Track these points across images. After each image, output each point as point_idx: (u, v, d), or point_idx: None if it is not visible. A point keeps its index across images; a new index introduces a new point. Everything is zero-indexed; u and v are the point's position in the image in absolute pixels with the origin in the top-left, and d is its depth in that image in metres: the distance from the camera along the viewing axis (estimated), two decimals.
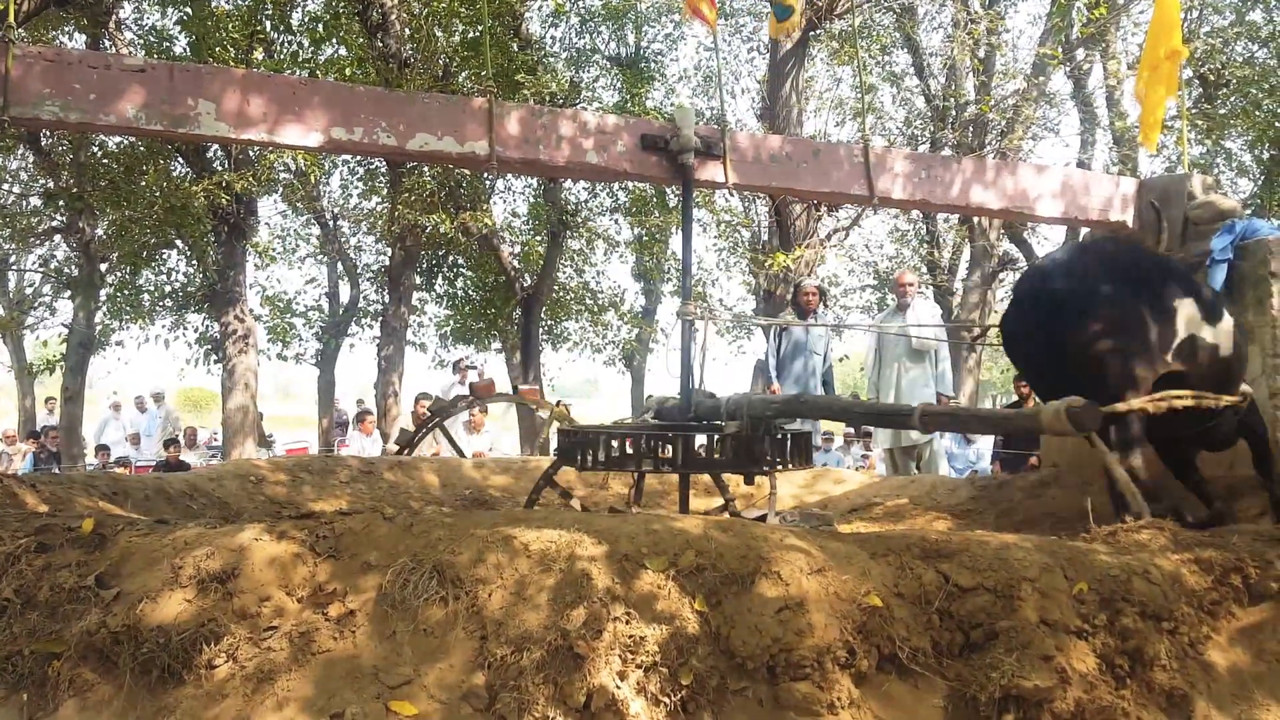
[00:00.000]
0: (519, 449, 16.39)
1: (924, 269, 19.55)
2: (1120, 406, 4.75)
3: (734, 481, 7.28)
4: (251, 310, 16.39)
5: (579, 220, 18.08)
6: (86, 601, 3.25)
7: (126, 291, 17.53)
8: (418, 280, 19.06)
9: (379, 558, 3.41)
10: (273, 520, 3.82)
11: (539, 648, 3.08)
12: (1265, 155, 16.41)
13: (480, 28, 13.51)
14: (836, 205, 14.53)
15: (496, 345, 20.56)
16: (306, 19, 14.69)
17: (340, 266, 21.57)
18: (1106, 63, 17.56)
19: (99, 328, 18.47)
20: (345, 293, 21.68)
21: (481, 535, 3.48)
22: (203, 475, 7.45)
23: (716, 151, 6.37)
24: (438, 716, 2.95)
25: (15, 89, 5.06)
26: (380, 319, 19.55)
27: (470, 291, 19.58)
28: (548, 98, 13.64)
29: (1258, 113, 15.31)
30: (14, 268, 22.15)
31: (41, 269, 21.01)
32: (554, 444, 8.87)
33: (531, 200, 19.31)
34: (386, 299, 18.87)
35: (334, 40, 14.39)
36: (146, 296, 17.78)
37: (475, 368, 15.06)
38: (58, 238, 18.78)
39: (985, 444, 12.70)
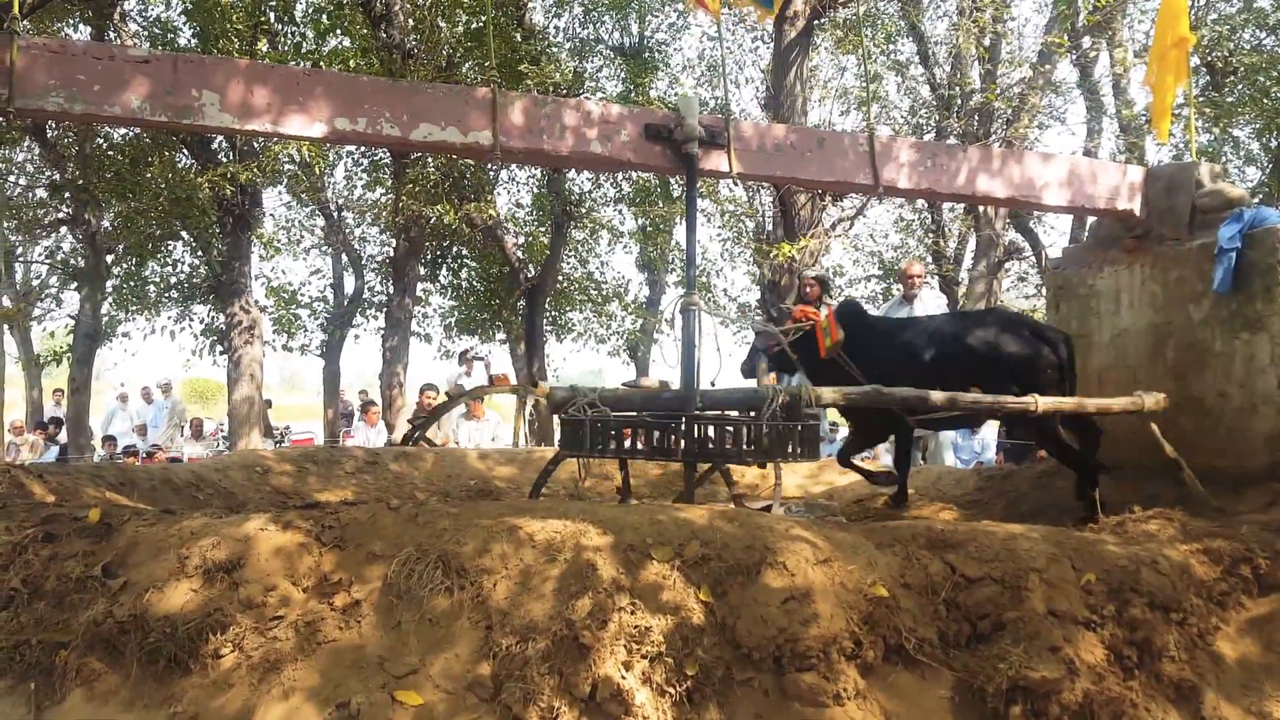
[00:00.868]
0: (524, 441, 16.38)
1: (929, 259, 19.48)
2: None
3: (737, 472, 7.27)
4: (257, 301, 16.39)
5: (583, 211, 18.04)
6: (93, 591, 3.25)
7: (132, 283, 17.53)
8: (422, 271, 19.03)
9: (384, 548, 3.42)
10: (279, 510, 3.83)
11: (544, 638, 3.08)
12: (1273, 143, 16.33)
13: (484, 18, 13.48)
14: (841, 195, 14.47)
15: (501, 336, 20.53)
16: (310, 10, 14.66)
17: (345, 257, 21.54)
18: (1113, 50, 17.47)
19: (105, 319, 18.48)
20: (350, 284, 21.64)
21: (486, 525, 3.48)
22: (209, 466, 7.46)
23: (721, 141, 6.35)
24: (443, 706, 2.96)
25: (20, 80, 5.05)
26: (385, 310, 19.52)
27: (474, 282, 19.55)
28: (551, 88, 13.60)
29: (1265, 100, 15.23)
30: (20, 259, 22.13)
31: (48, 261, 20.99)
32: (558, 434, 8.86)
33: (535, 191, 19.29)
34: (391, 290, 18.84)
35: (338, 31, 14.36)
36: (152, 288, 17.77)
37: (482, 358, 15.04)
38: (64, 229, 18.75)
39: (990, 435, 12.67)
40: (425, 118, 5.79)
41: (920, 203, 19.40)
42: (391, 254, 18.99)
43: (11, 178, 18.28)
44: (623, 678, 3.03)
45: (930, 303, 9.39)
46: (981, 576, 3.49)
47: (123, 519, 3.62)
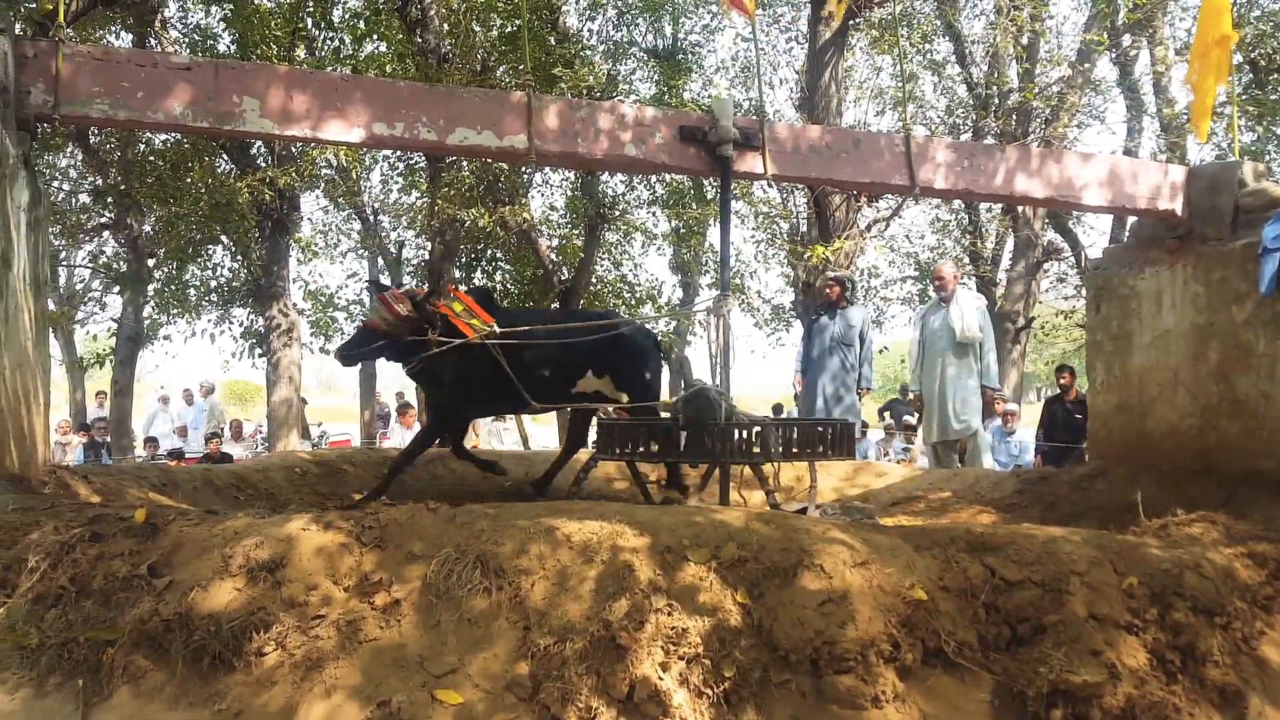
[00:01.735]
0: (558, 442, 16.42)
1: (966, 260, 19.35)
2: None
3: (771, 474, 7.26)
4: (295, 304, 16.54)
5: (616, 213, 18.05)
6: (139, 590, 3.30)
7: (173, 286, 17.74)
8: (457, 274, 19.12)
9: (423, 548, 3.44)
10: (319, 511, 3.86)
11: (582, 638, 3.09)
12: None
13: (518, 22, 13.53)
14: (877, 196, 14.41)
15: None
16: (347, 15, 14.78)
17: (381, 260, 21.70)
18: (1153, 48, 17.28)
19: (147, 322, 18.72)
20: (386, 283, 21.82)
21: (524, 526, 3.50)
22: (249, 467, 7.54)
23: (755, 142, 6.34)
24: (482, 705, 2.98)
25: (65, 88, 5.13)
26: None
27: (509, 285, 19.60)
28: (585, 91, 13.63)
29: None
30: (64, 263, 22.46)
31: (91, 265, 21.29)
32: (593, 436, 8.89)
33: (569, 194, 19.32)
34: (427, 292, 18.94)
35: (374, 36, 14.47)
36: (193, 291, 17.98)
37: None
38: (106, 234, 19.03)
39: (1028, 437, 12.59)
40: (461, 122, 5.83)
41: (957, 203, 19.28)
42: (427, 257, 19.09)
43: (55, 183, 18.54)
44: (660, 678, 3.04)
45: (967, 303, 9.33)
46: (1022, 579, 3.47)
47: (168, 519, 3.67)
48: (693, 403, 6.02)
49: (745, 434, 5.87)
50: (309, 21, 13.80)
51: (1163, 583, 3.54)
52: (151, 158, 15.41)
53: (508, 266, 19.22)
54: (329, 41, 14.30)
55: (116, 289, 19.95)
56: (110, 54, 5.40)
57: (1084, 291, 16.14)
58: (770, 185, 17.19)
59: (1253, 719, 3.35)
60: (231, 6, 13.50)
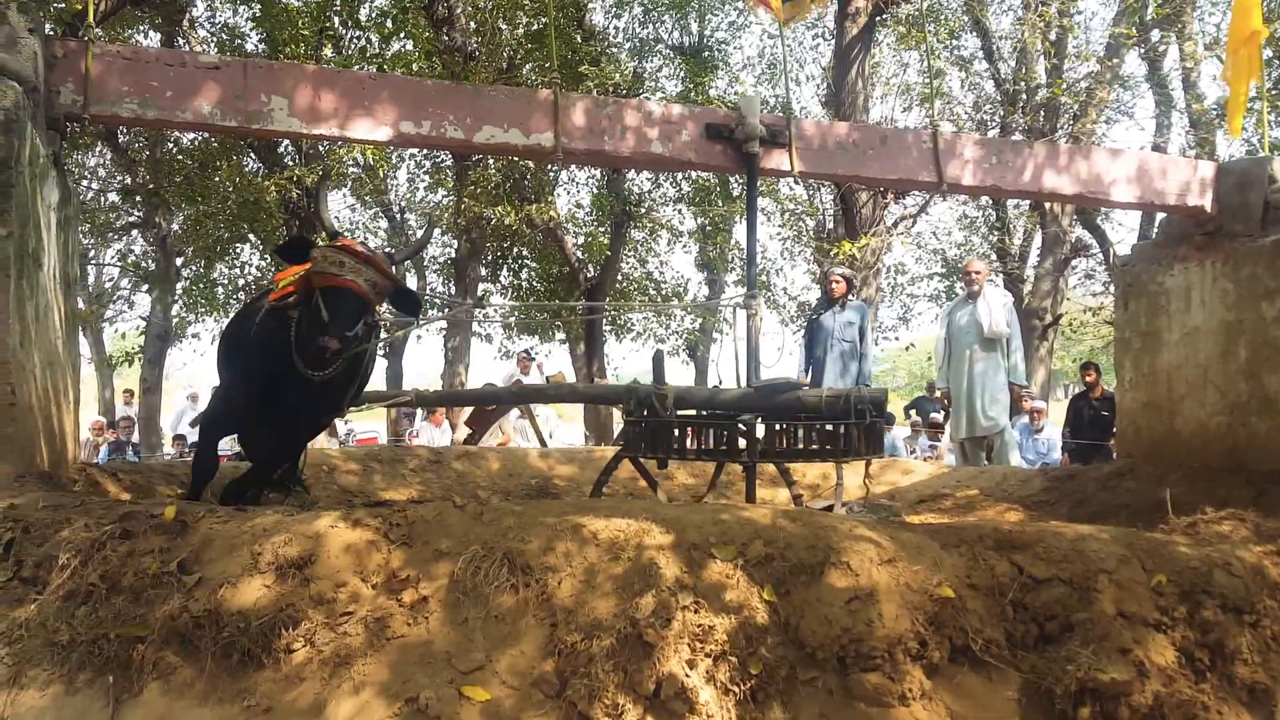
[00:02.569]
0: (582, 439, 16.46)
1: (994, 256, 19.24)
2: None
3: (798, 471, 7.26)
4: None
5: (642, 211, 18.07)
6: (169, 587, 3.32)
7: (201, 284, 17.88)
8: (483, 272, 19.21)
9: (451, 545, 3.45)
10: (347, 508, 3.88)
11: (608, 635, 3.10)
12: None
13: (544, 20, 13.56)
14: (904, 192, 14.35)
15: (560, 336, 20.65)
16: (375, 14, 14.86)
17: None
18: (1182, 44, 17.12)
19: (175, 320, 18.88)
20: (412, 284, 21.90)
21: (551, 524, 3.50)
22: None
23: (782, 139, 6.33)
24: (510, 702, 2.98)
25: (95, 87, 5.18)
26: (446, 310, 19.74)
27: (535, 283, 19.67)
28: (611, 89, 13.65)
29: None
30: (93, 262, 22.68)
31: (120, 263, 21.50)
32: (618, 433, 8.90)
33: (595, 191, 19.35)
34: (452, 290, 19.05)
35: (401, 35, 14.53)
36: (221, 289, 18.12)
37: (534, 359, 15.20)
38: (135, 233, 19.21)
39: (1055, 434, 12.50)
40: (488, 120, 5.84)
41: (984, 200, 19.17)
42: (453, 255, 19.19)
43: (85, 182, 18.73)
44: (687, 676, 3.04)
45: (994, 300, 9.28)
46: (1050, 577, 3.45)
47: (197, 516, 3.70)
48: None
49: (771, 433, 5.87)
50: (336, 20, 13.87)
51: (1191, 581, 3.51)
52: (180, 156, 15.54)
53: (533, 264, 19.29)
54: (356, 40, 14.38)
55: (145, 287, 20.16)
56: (139, 53, 5.44)
57: (1112, 288, 16.02)
58: (796, 182, 17.14)
59: None
60: (259, 6, 13.59)
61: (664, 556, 3.37)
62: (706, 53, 17.72)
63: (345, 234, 6.44)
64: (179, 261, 18.12)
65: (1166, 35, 17.23)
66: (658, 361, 6.48)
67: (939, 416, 13.86)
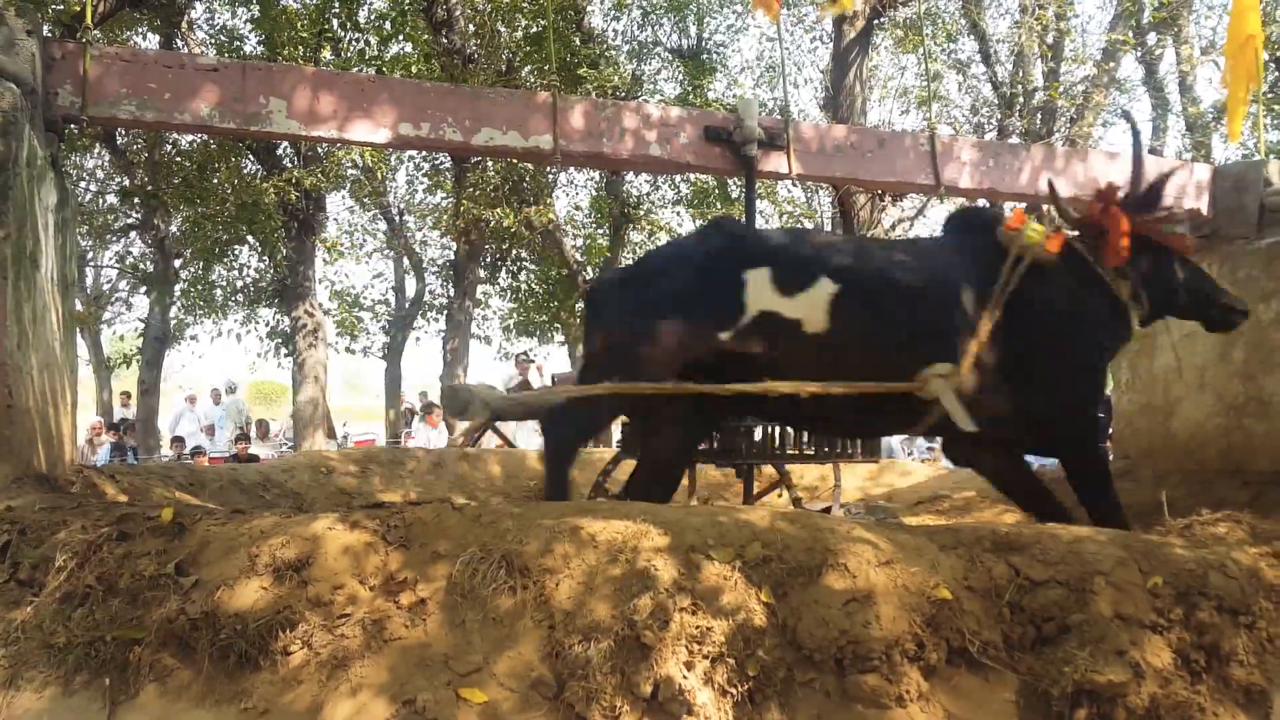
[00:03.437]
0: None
1: None
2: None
3: (796, 473, 7.25)
4: (321, 304, 16.62)
5: (641, 213, 18.07)
6: (166, 589, 3.32)
7: (200, 287, 17.90)
8: (482, 274, 19.21)
9: (449, 547, 3.45)
10: (345, 510, 3.88)
11: (606, 638, 3.10)
12: None
13: (543, 22, 13.56)
14: (902, 195, 14.35)
15: (560, 338, 20.65)
16: (373, 16, 14.86)
17: (406, 261, 21.81)
18: (1178, 47, 17.15)
19: (173, 322, 18.86)
20: (411, 287, 21.92)
21: (549, 526, 3.50)
22: (275, 466, 7.59)
23: (780, 142, 6.34)
24: (507, 704, 2.98)
25: (94, 89, 5.19)
26: (445, 312, 19.73)
27: (533, 285, 19.68)
28: (610, 91, 13.65)
29: None
30: (91, 264, 22.64)
31: (118, 265, 21.46)
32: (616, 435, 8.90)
33: (594, 194, 19.36)
34: (451, 293, 19.05)
35: (400, 37, 14.53)
36: (219, 291, 18.14)
37: (533, 361, 15.21)
38: (133, 234, 19.17)
39: None
40: (487, 123, 5.85)
41: (982, 202, 19.16)
42: (452, 257, 19.19)
43: (83, 184, 18.71)
44: (684, 678, 3.04)
45: None
46: (1047, 579, 3.45)
47: (194, 518, 3.70)
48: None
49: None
50: (335, 22, 13.86)
51: (1188, 582, 3.51)
52: (178, 158, 15.52)
53: (532, 266, 19.29)
54: (355, 42, 14.38)
55: (143, 289, 20.11)
56: (137, 55, 5.46)
57: None
58: (795, 185, 17.15)
59: (1277, 718, 3.32)
60: (258, 8, 13.59)
61: (662, 558, 3.37)
62: (705, 55, 17.74)
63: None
64: (177, 263, 18.09)
65: (1163, 39, 17.26)
66: None
67: None
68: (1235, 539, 4.05)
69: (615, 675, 3.02)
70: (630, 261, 19.95)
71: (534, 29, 14.32)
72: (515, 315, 20.55)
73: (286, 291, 15.89)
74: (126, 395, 21.04)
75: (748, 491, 6.25)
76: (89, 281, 23.25)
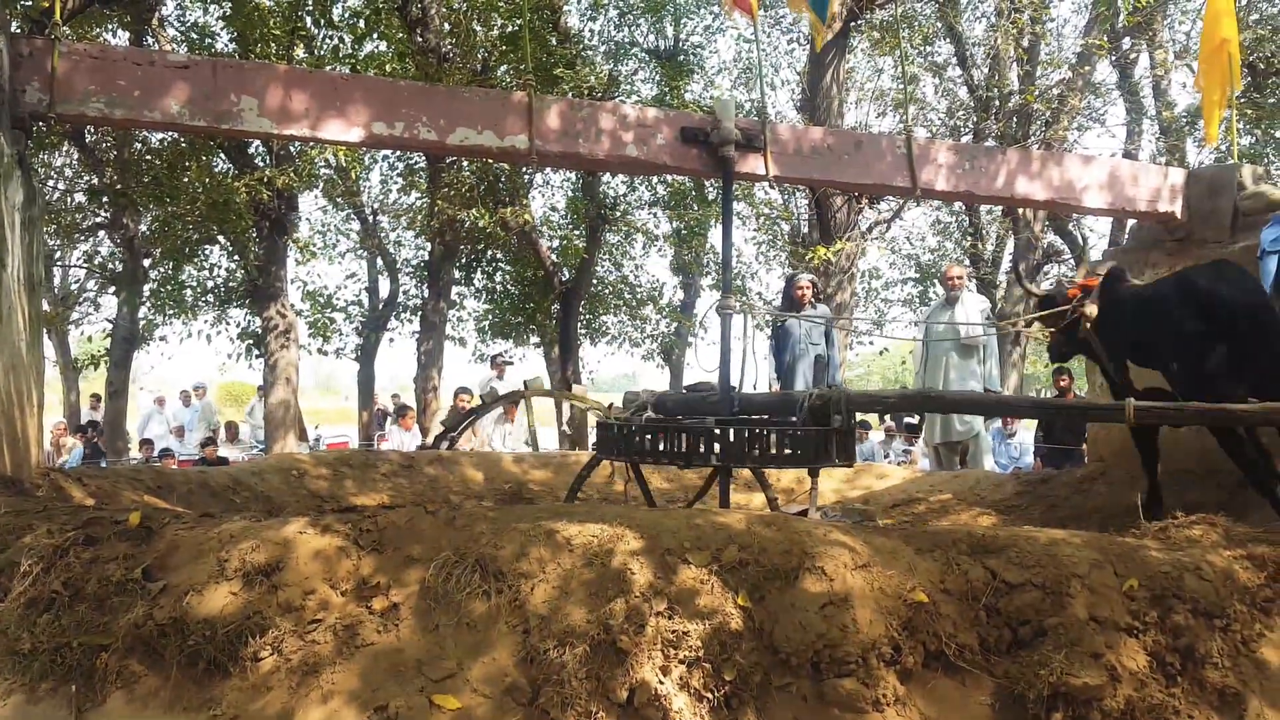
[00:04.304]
0: (557, 444, 16.42)
1: (967, 261, 19.35)
2: None
3: (773, 476, 7.24)
4: (292, 305, 16.49)
5: (618, 214, 18.05)
6: (134, 594, 3.27)
7: (169, 287, 17.70)
8: (457, 275, 19.12)
9: (422, 551, 3.42)
10: (317, 514, 3.84)
11: (582, 642, 3.07)
12: None
13: (519, 22, 13.51)
14: (878, 197, 14.39)
15: (535, 340, 20.59)
16: (347, 14, 14.75)
17: (380, 261, 21.70)
18: (1153, 52, 17.29)
19: (142, 323, 18.67)
20: (385, 287, 21.81)
21: (524, 529, 3.47)
22: (245, 469, 7.51)
23: (757, 144, 6.33)
24: (481, 710, 2.95)
25: (62, 86, 5.11)
26: (419, 313, 19.63)
27: (509, 286, 19.60)
28: (586, 92, 13.61)
29: None
30: (59, 263, 22.40)
31: (86, 265, 21.23)
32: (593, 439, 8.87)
33: (570, 194, 19.32)
34: (426, 293, 18.95)
35: (374, 35, 14.44)
36: (189, 292, 17.94)
37: (511, 363, 15.15)
38: (102, 234, 18.97)
39: (1028, 439, 12.57)
40: (462, 122, 5.80)
41: (957, 205, 19.28)
42: (426, 258, 19.10)
43: (51, 182, 18.50)
44: (660, 683, 3.02)
45: (971, 305, 9.31)
46: (1023, 582, 3.45)
47: (163, 522, 3.64)
48: None
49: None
50: (308, 20, 13.75)
51: (1163, 585, 3.52)
52: (148, 157, 15.35)
53: (508, 267, 19.22)
54: (328, 40, 14.27)
55: (112, 289, 19.91)
56: (107, 52, 5.38)
57: None
58: (772, 187, 17.16)
59: None
60: (230, 4, 13.47)
61: (638, 562, 3.34)
62: (682, 57, 17.73)
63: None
64: (147, 263, 17.89)
65: (1137, 43, 17.39)
66: None
67: (913, 420, 13.91)
68: (1210, 542, 4.06)
69: (591, 680, 3.00)
70: (607, 260, 19.97)
71: (510, 28, 14.26)
72: (490, 317, 20.46)
73: (258, 292, 15.75)
74: (96, 398, 20.82)
75: (724, 494, 6.22)
76: (56, 281, 23.02)
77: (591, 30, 17.86)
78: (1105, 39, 16.14)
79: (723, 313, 6.37)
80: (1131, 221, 8.22)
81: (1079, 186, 6.89)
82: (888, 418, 15.71)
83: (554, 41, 14.69)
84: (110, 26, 14.35)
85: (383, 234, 21.38)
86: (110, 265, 19.43)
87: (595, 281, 19.36)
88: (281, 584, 3.27)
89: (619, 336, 22.34)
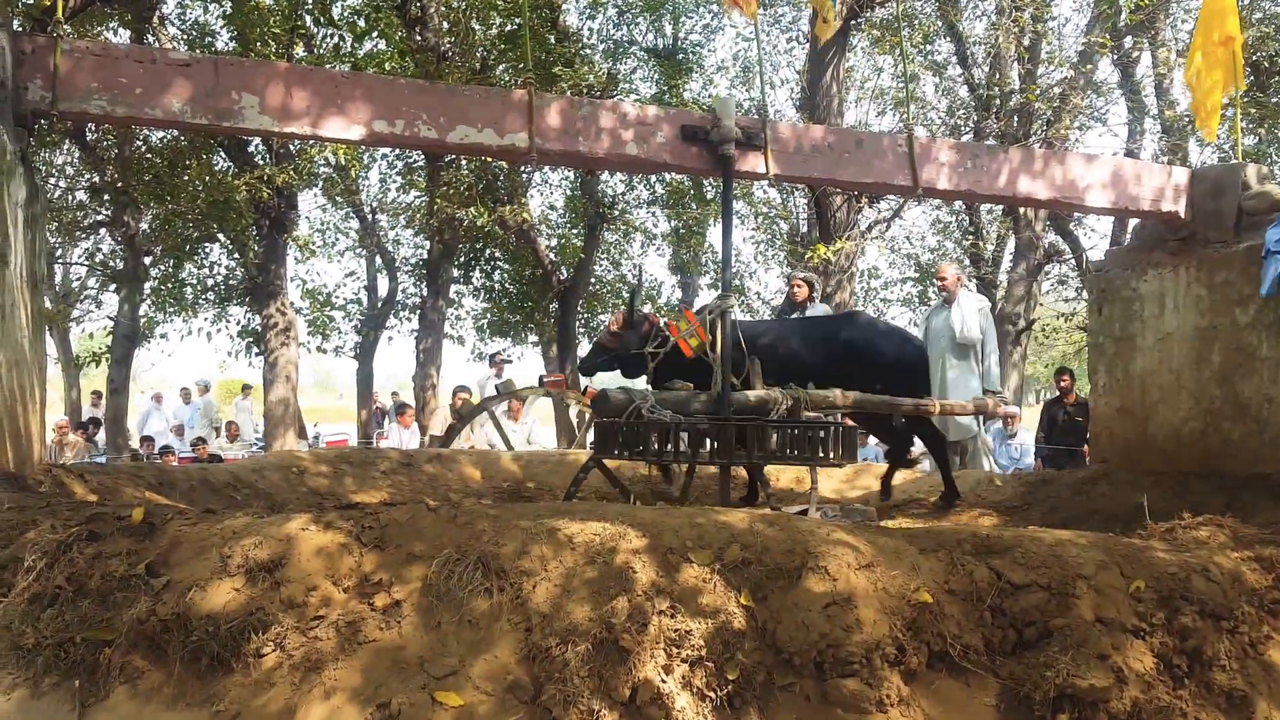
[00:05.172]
0: (555, 442, 16.41)
1: (967, 261, 19.33)
2: None
3: (774, 475, 7.23)
4: (292, 303, 16.50)
5: (616, 213, 18.05)
6: (137, 590, 3.26)
7: (170, 284, 17.71)
8: (455, 273, 19.13)
9: (424, 549, 3.41)
10: (319, 511, 3.83)
11: (584, 640, 3.06)
12: None
13: (518, 20, 13.51)
14: (879, 196, 14.38)
15: (533, 338, 20.59)
16: (347, 12, 14.75)
17: (379, 260, 21.71)
18: (1155, 50, 17.27)
19: (143, 320, 18.68)
20: (384, 286, 21.82)
21: (526, 527, 3.46)
22: (246, 466, 7.50)
23: (757, 142, 6.31)
24: (483, 708, 2.94)
25: (64, 84, 5.10)
26: (418, 312, 19.64)
27: (507, 284, 19.60)
28: (585, 90, 13.60)
29: None
30: (60, 261, 22.40)
31: (87, 262, 21.22)
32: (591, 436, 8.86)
33: (569, 193, 19.32)
34: (424, 292, 18.97)
35: (374, 34, 14.44)
36: (189, 290, 17.95)
37: (509, 361, 15.15)
38: (103, 231, 18.97)
39: (1028, 440, 12.56)
40: (462, 120, 5.79)
41: (958, 204, 19.26)
42: (425, 256, 19.10)
43: (52, 180, 18.50)
44: (663, 681, 3.01)
45: (968, 305, 9.29)
46: (1028, 583, 3.43)
47: (165, 518, 3.63)
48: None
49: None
50: (308, 18, 13.75)
51: (1170, 586, 3.51)
52: (149, 155, 15.37)
53: (506, 266, 19.22)
54: (328, 39, 14.26)
55: (113, 287, 19.93)
56: (109, 50, 5.36)
57: (1085, 294, 16.08)
58: (771, 185, 17.16)
59: None
60: (231, 3, 13.46)
61: (640, 561, 3.33)
62: (681, 55, 17.73)
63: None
64: (147, 261, 17.91)
65: (1139, 42, 17.38)
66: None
67: None
68: (1217, 543, 4.06)
69: (593, 678, 2.99)
70: (605, 259, 19.94)
71: (509, 27, 14.27)
72: (489, 315, 20.46)
73: (257, 290, 15.75)
74: (97, 395, 20.81)
75: (723, 493, 6.22)
76: (58, 279, 23.01)
77: (590, 29, 17.88)
78: (1107, 37, 16.12)
79: (712, 315, 6.37)
80: (1134, 221, 8.19)
81: (1082, 185, 6.87)
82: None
83: (553, 40, 14.70)
84: (111, 25, 14.36)
85: (382, 232, 21.40)
86: (111, 263, 19.44)
87: (593, 280, 19.36)
88: (284, 580, 3.26)
89: None
